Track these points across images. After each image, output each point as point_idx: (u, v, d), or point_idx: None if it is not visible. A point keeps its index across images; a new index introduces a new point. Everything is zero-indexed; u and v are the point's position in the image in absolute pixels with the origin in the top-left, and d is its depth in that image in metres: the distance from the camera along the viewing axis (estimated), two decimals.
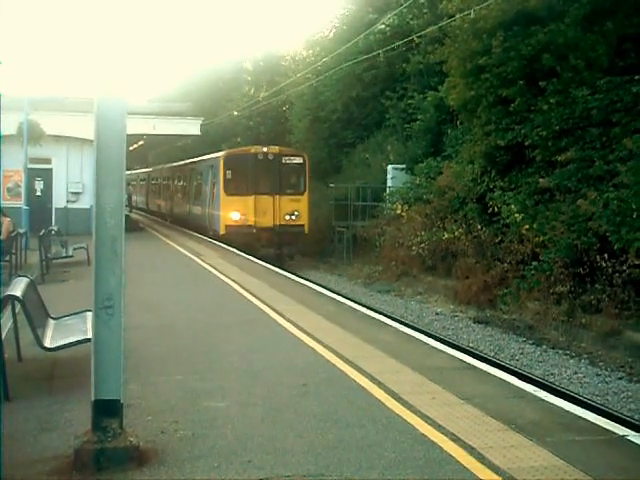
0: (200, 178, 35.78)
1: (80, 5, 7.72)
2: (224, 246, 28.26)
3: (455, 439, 6.99)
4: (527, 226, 19.67)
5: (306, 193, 30.68)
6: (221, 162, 30.74)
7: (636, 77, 17.96)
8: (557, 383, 14.03)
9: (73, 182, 33.49)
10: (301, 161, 30.94)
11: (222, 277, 19.13)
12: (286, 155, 31.00)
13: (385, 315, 15.73)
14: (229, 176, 30.23)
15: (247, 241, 28.76)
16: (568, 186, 18.99)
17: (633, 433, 7.46)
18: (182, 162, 43.06)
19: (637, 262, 16.15)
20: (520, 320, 18.93)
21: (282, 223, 29.84)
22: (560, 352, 16.51)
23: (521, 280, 19.18)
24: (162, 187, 50.04)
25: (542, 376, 14.54)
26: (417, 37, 28.01)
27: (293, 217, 30.00)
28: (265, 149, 30.76)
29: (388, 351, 10.81)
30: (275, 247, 29.76)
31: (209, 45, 74.86)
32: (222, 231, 29.88)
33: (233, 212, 29.65)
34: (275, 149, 31.10)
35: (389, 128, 34.16)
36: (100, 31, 6.46)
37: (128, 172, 60.42)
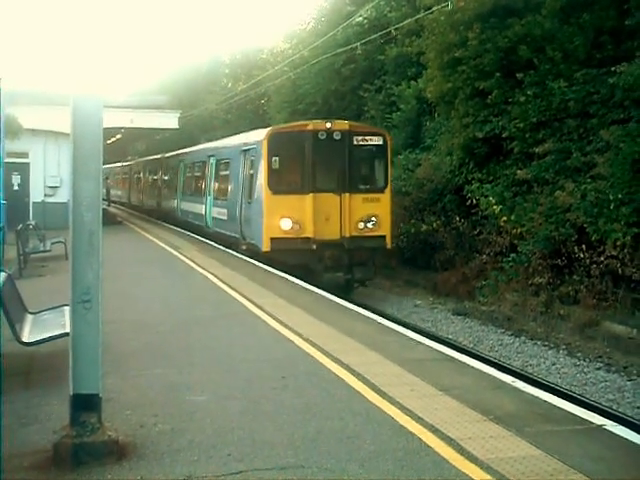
0: (227, 169, 26.09)
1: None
2: (203, 240, 27.55)
3: (434, 430, 7.02)
4: (505, 218, 19.78)
5: (388, 190, 21.37)
6: (264, 145, 20.99)
7: (613, 69, 18.04)
8: (536, 374, 14.13)
9: (50, 176, 33.15)
10: (381, 142, 21.44)
11: (201, 270, 19.06)
12: (360, 134, 21.29)
13: (364, 307, 15.71)
14: (276, 165, 20.77)
15: (303, 261, 20.32)
16: (546, 178, 19.11)
17: (611, 423, 7.50)
18: (197, 147, 34.52)
19: (614, 253, 16.28)
20: (499, 312, 19.03)
21: (354, 234, 20.59)
22: (539, 343, 16.62)
23: (499, 272, 19.30)
24: (163, 182, 40.22)
25: (521, 367, 14.64)
26: (395, 30, 27.99)
27: (370, 225, 20.75)
28: (329, 125, 20.98)
29: (367, 343, 10.82)
30: (344, 270, 20.83)
31: (187, 38, 74.87)
32: (265, 247, 20.66)
33: (282, 219, 20.41)
34: (344, 125, 21.40)
35: (368, 121, 34.17)
36: (76, 25, 6.42)
37: (119, 165, 60.28)
